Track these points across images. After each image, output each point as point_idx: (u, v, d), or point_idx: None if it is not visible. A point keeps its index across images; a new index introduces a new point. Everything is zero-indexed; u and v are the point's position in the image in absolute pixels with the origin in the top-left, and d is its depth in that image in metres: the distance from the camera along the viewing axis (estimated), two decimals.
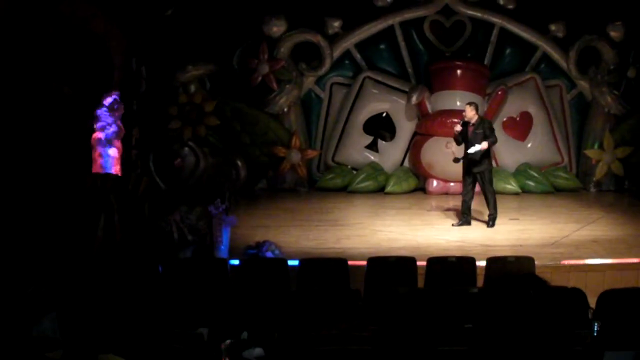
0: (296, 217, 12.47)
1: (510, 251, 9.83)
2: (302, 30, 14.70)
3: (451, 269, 8.25)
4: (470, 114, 11.24)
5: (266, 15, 14.50)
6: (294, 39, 14.69)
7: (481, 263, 8.42)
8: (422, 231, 11.39)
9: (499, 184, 14.04)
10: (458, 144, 11.40)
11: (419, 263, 8.35)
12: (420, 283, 8.23)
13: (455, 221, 11.80)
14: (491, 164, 11.49)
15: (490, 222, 11.42)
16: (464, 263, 8.34)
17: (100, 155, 11.40)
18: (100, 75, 11.85)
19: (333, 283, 7.98)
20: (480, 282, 8.25)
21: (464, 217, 11.55)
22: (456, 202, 13.62)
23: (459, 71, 14.29)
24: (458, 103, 14.11)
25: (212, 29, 14.27)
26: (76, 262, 8.91)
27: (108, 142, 11.33)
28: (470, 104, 11.44)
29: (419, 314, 6.95)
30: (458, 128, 11.27)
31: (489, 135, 11.15)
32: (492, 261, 8.35)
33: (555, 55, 14.76)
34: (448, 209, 13.09)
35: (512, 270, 7.95)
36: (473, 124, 11.23)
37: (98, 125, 11.43)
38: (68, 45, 11.36)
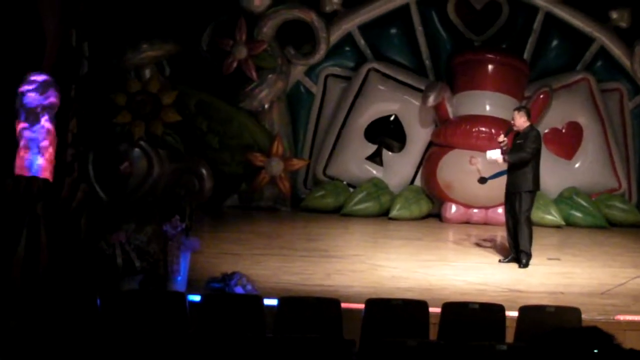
0: (275, 244, 12.46)
1: (548, 299, 9.85)
2: (292, 5, 14.76)
3: (473, 318, 8.24)
4: (520, 122, 11.46)
5: None
6: (281, 16, 14.74)
7: (511, 313, 8.43)
8: (436, 269, 11.42)
9: (536, 214, 14.04)
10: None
11: (431, 309, 8.36)
12: (433, 334, 8.24)
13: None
14: (536, 186, 11.53)
15: (524, 261, 11.47)
16: (490, 312, 8.34)
17: (25, 157, 11.38)
18: (27, 51, 11.83)
19: (321, 330, 7.95)
20: (509, 336, 8.26)
21: (513, 251, 11.65)
22: (479, 232, 13.72)
23: (490, 66, 14.38)
24: (487, 107, 14.20)
25: None
26: None
27: (35, 146, 11.29)
28: (519, 109, 11.69)
29: None
30: (502, 139, 11.49)
31: (525, 146, 11.28)
32: (526, 311, 8.36)
33: (616, 50, 14.89)
34: (469, 242, 13.15)
35: (552, 324, 7.95)
36: (518, 132, 11.44)
37: (22, 118, 11.39)
38: None
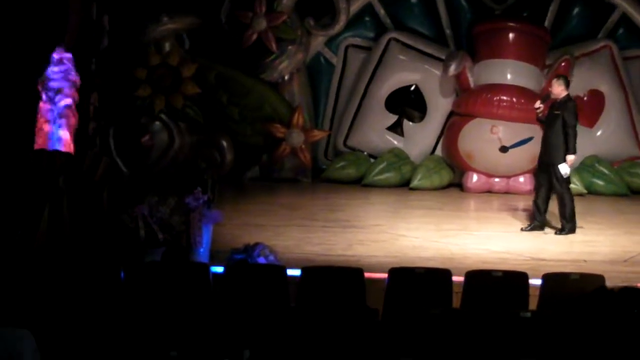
0: (296, 215, 12.50)
1: (571, 267, 9.84)
2: None
3: (496, 286, 8.25)
4: (558, 90, 11.42)
5: None
6: None
7: (534, 281, 8.43)
8: (457, 238, 11.46)
9: None
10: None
11: (454, 278, 8.36)
12: (456, 303, 8.24)
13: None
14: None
15: (565, 230, 11.52)
16: (513, 279, 8.34)
17: (47, 130, 11.42)
18: (49, 25, 11.84)
19: (344, 299, 7.98)
20: (532, 304, 8.25)
21: (537, 219, 11.67)
22: (501, 201, 13.72)
23: (511, 35, 14.32)
24: (509, 76, 14.16)
25: None
26: (8, 263, 8.91)
27: (59, 117, 11.32)
28: (559, 77, 11.65)
29: (455, 340, 6.98)
30: (538, 105, 11.50)
31: (567, 119, 11.27)
32: (550, 278, 8.35)
33: (638, 17, 14.77)
34: (490, 211, 13.16)
35: (576, 291, 7.94)
36: (554, 102, 11.38)
37: (43, 93, 11.41)
38: None
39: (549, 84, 14.11)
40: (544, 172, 11.57)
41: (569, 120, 11.31)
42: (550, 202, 11.70)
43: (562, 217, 11.57)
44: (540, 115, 11.56)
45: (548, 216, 11.78)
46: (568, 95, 11.50)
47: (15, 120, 11.31)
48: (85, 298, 7.78)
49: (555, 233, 11.53)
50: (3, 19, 11.34)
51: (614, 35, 14.88)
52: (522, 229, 11.74)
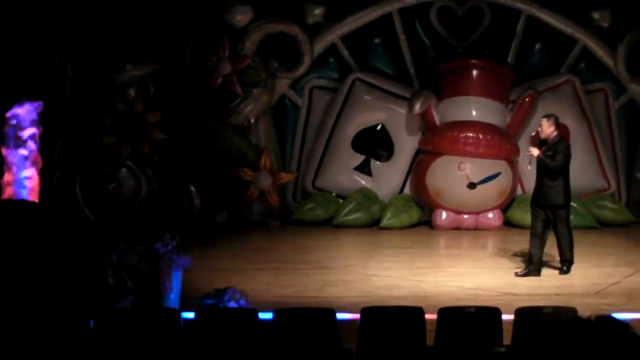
0: (266, 257, 12.43)
1: (542, 301, 9.80)
2: (274, 19, 14.75)
3: (469, 322, 8.20)
4: (548, 131, 11.10)
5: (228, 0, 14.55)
6: (264, 30, 14.74)
7: (507, 316, 8.39)
8: (429, 276, 11.40)
9: (526, 216, 14.04)
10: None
11: (427, 316, 8.32)
12: (430, 341, 8.19)
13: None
14: (568, 198, 11.15)
15: (564, 268, 11.27)
16: (486, 315, 8.30)
17: (12, 180, 11.35)
18: (11, 74, 11.82)
19: (318, 340, 7.91)
20: (506, 340, 8.22)
21: (532, 264, 11.26)
22: (471, 238, 13.72)
23: (474, 72, 14.40)
24: (474, 112, 14.21)
25: (159, 18, 14.27)
26: None
27: (20, 170, 11.27)
28: (548, 117, 11.26)
29: None
30: (531, 151, 11.08)
31: (556, 158, 10.95)
32: (523, 313, 8.31)
33: (599, 51, 14.91)
34: (460, 248, 13.14)
35: (549, 325, 7.90)
36: (548, 143, 11.11)
37: (8, 142, 11.36)
38: None
39: (515, 120, 14.30)
40: (541, 215, 11.18)
41: (557, 160, 10.94)
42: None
43: (562, 254, 11.30)
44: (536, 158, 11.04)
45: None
46: (559, 135, 11.21)
47: None
48: (54, 346, 7.67)
49: (561, 272, 11.24)
50: None
51: (576, 70, 15.00)
52: (516, 274, 11.27)
